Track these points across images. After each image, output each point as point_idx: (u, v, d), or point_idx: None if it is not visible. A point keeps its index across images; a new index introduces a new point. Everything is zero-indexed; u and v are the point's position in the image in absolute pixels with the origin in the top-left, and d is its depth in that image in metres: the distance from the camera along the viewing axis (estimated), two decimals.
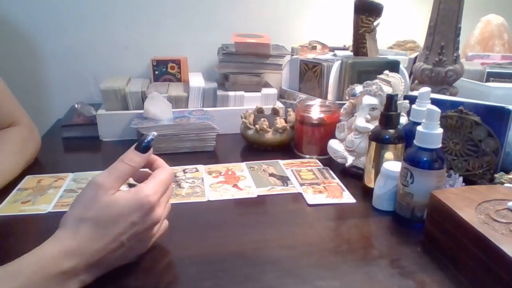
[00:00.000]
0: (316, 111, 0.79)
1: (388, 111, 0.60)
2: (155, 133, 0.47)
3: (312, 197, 0.63)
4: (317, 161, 0.78)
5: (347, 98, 0.73)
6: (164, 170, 0.47)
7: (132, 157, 0.44)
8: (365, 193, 0.64)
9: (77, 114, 0.95)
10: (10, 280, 0.36)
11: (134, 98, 0.91)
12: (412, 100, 0.66)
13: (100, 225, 0.41)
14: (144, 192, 0.43)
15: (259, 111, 0.91)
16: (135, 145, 0.46)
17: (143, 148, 0.45)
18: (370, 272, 0.46)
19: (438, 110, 0.51)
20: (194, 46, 1.15)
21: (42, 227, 0.43)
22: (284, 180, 0.69)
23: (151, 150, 0.46)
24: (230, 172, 0.72)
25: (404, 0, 1.27)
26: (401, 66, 0.92)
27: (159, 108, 0.84)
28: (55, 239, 0.40)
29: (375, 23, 0.96)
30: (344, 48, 1.16)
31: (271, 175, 0.71)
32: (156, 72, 1.02)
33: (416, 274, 0.45)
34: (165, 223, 0.49)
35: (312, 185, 0.67)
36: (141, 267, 0.46)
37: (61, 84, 1.13)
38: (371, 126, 0.66)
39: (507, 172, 0.63)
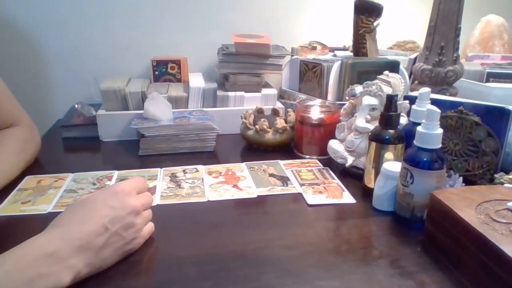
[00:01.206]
0: (316, 112, 0.79)
1: (388, 112, 0.60)
2: None
3: (312, 197, 0.63)
4: (317, 161, 0.78)
5: (347, 98, 0.73)
6: (136, 176, 0.55)
7: None
8: (365, 193, 0.64)
9: (77, 114, 0.95)
10: None
11: (134, 99, 0.91)
12: (412, 100, 0.66)
13: (80, 212, 0.45)
14: (117, 184, 0.49)
15: (259, 112, 0.91)
16: None
17: None
18: (370, 272, 0.46)
19: (438, 110, 0.51)
20: (194, 46, 1.15)
21: (42, 227, 0.43)
22: (284, 180, 0.69)
23: None
24: (230, 173, 0.72)
25: (404, 0, 1.27)
26: (401, 67, 0.92)
27: (159, 108, 0.84)
28: (40, 233, 0.43)
29: (375, 24, 0.96)
30: (344, 49, 1.16)
31: (271, 175, 0.71)
32: (156, 73, 1.02)
33: (416, 274, 0.45)
34: (151, 224, 0.52)
35: (312, 185, 0.67)
36: (141, 267, 0.47)
37: (61, 84, 1.13)
38: (371, 127, 0.66)
39: (507, 172, 0.63)
